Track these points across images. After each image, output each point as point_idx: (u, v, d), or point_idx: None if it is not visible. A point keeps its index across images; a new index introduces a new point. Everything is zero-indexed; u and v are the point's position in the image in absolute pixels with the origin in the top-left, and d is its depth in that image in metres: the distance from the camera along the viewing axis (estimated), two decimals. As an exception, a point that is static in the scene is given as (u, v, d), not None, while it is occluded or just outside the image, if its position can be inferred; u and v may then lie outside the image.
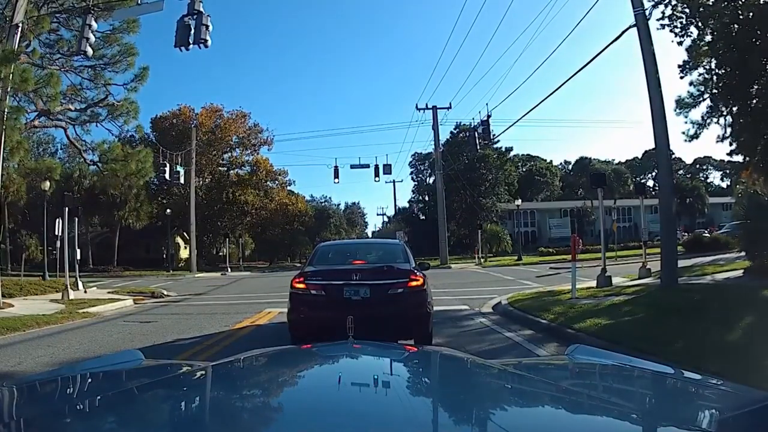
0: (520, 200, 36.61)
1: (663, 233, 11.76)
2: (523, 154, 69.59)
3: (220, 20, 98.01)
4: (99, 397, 1.39)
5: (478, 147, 24.54)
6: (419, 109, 33.53)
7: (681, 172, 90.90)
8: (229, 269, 37.63)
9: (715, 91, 18.14)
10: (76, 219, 22.69)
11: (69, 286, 16.70)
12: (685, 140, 27.26)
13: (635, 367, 1.62)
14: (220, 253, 48.30)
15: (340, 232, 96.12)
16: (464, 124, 50.29)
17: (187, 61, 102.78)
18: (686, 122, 26.03)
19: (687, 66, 18.73)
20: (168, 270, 35.35)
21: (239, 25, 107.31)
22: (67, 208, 17.88)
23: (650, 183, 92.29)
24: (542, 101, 19.22)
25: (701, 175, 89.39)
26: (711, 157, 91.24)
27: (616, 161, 77.70)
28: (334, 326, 4.04)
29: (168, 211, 37.76)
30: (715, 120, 23.77)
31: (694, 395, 1.42)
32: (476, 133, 24.04)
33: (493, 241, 38.79)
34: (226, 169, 45.80)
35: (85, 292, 17.53)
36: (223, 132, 43.28)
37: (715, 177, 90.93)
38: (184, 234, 45.55)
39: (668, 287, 10.94)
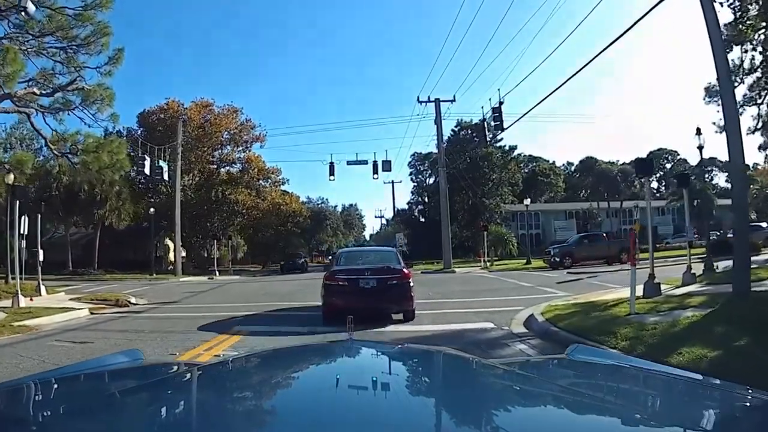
0: (528, 200, 34.19)
1: (737, 231, 9.43)
2: (525, 155, 67.30)
3: (214, 14, 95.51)
4: (97, 397, 1.37)
5: (488, 139, 22.17)
6: (421, 102, 31.22)
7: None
8: (218, 273, 35.23)
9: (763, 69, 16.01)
10: (39, 215, 20.28)
11: (20, 292, 14.47)
12: (716, 131, 24.99)
13: (635, 367, 1.61)
14: (212, 256, 45.92)
15: (337, 234, 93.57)
16: (466, 122, 48.17)
17: (179, 57, 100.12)
18: (718, 111, 23.87)
19: (732, 39, 16.48)
20: (152, 273, 32.88)
21: (233, 18, 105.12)
22: (18, 202, 15.46)
23: (654, 185, 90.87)
24: (560, 86, 17.11)
25: (706, 176, 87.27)
26: (716, 158, 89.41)
27: (621, 162, 75.43)
28: (354, 306, 7.87)
29: (152, 210, 35.23)
30: (749, 105, 21.56)
31: (694, 396, 1.36)
32: (485, 124, 21.70)
33: (498, 243, 36.43)
34: (216, 166, 43.22)
35: (31, 300, 15.12)
36: (213, 127, 40.76)
37: (720, 179, 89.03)
38: (174, 235, 43.12)
39: (744, 296, 8.67)
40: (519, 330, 8.13)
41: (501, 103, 19.04)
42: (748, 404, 1.21)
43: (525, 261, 30.75)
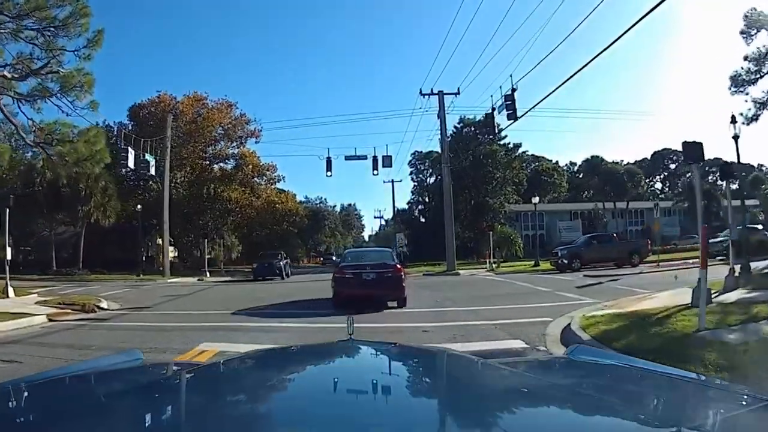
0: (537, 198, 32.40)
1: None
2: (528, 154, 65.70)
3: (204, 5, 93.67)
4: (97, 397, 1.39)
5: (498, 130, 20.44)
6: (423, 95, 29.52)
7: (689, 175, 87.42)
8: (208, 274, 33.49)
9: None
10: (8, 210, 18.60)
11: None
12: (743, 123, 23.28)
13: (635, 367, 1.61)
14: (209, 256, 44.04)
15: (335, 235, 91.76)
16: (469, 119, 46.57)
17: (169, 50, 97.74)
18: (746, 100, 22.19)
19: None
20: (138, 274, 31.15)
21: (224, 7, 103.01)
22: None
23: (658, 185, 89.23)
24: (572, 76, 15.50)
25: (709, 177, 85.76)
26: (720, 158, 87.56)
27: (624, 162, 73.89)
28: (358, 293, 11.12)
29: (139, 207, 33.48)
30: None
31: (694, 395, 1.36)
32: (494, 114, 20.01)
33: (503, 244, 34.71)
34: (208, 162, 41.29)
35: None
36: (205, 122, 38.89)
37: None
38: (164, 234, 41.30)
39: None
40: (558, 350, 6.44)
41: (514, 89, 17.37)
42: (748, 404, 1.18)
43: (533, 263, 29.08)
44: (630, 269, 22.08)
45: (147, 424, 1.11)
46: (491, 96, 19.35)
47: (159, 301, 15.17)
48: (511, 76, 17.12)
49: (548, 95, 16.30)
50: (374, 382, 1.41)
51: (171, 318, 11.11)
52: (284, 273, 28.05)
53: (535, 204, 30.84)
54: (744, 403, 1.22)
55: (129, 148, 24.23)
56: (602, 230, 49.99)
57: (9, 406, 1.29)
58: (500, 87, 18.56)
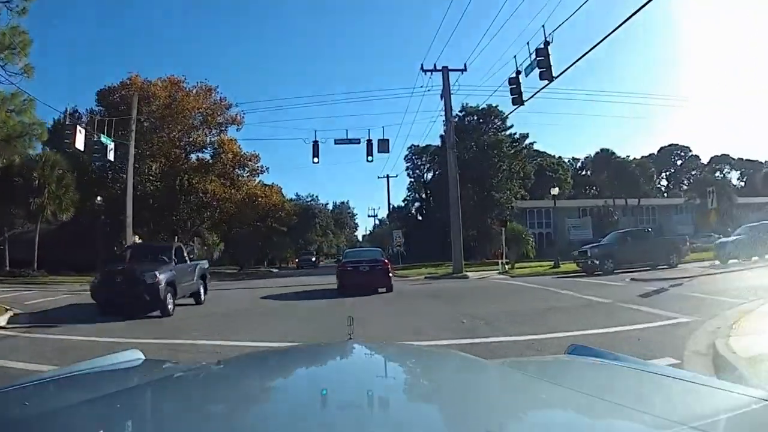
0: (557, 189, 28.70)
1: None
2: (532, 149, 62.26)
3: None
4: (96, 397, 1.34)
5: (524, 100, 16.62)
6: (425, 71, 25.77)
7: (694, 172, 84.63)
8: (180, 275, 29.48)
9: None
10: None
11: None
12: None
13: (635, 368, 1.60)
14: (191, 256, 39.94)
15: (327, 234, 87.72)
16: (472, 107, 42.99)
17: (148, 34, 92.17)
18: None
19: None
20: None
21: None
22: None
23: (664, 182, 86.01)
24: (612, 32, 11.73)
25: (718, 174, 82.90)
26: (728, 155, 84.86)
27: (631, 158, 70.60)
28: (356, 283, 15.20)
29: (99, 199, 29.56)
30: None
31: (695, 395, 1.32)
32: (519, 80, 16.25)
33: (513, 243, 30.97)
34: (184, 152, 37.14)
35: None
36: (180, 105, 34.86)
37: (732, 177, 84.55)
38: (139, 231, 37.27)
39: None
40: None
41: (548, 42, 13.60)
42: (748, 404, 1.16)
43: (552, 264, 25.42)
44: (676, 271, 18.46)
45: (146, 425, 1.11)
46: (514, 57, 15.60)
47: (87, 314, 11.26)
48: (543, 26, 13.34)
49: (596, 45, 12.53)
50: (375, 383, 1.43)
51: (71, 347, 7.26)
52: (168, 297, 11.23)
53: (554, 196, 27.16)
54: (744, 403, 1.17)
55: (77, 126, 20.30)
56: (612, 228, 46.51)
57: (8, 407, 1.27)
58: (528, 43, 14.83)
